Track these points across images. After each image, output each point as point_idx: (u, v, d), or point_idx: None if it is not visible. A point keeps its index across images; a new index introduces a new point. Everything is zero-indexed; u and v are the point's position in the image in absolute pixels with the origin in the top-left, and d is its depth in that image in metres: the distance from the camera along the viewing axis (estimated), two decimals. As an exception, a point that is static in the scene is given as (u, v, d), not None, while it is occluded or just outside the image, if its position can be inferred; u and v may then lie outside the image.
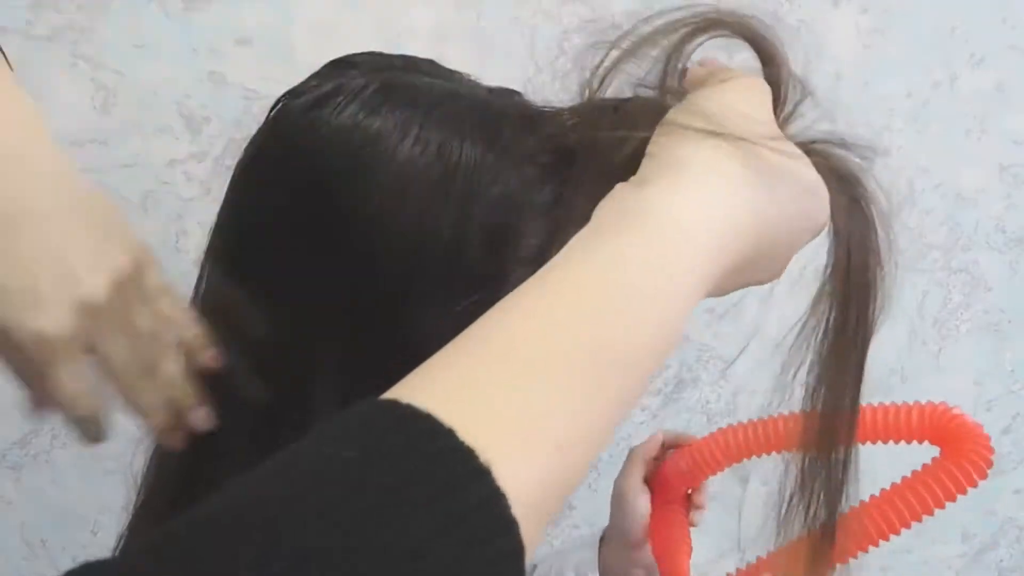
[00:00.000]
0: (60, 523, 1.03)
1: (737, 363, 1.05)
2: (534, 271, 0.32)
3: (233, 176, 0.48)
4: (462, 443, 0.24)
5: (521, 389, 0.27)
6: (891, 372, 1.08)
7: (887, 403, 0.55)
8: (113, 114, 0.89)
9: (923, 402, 0.54)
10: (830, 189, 0.42)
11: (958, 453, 0.52)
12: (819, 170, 0.42)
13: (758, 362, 1.06)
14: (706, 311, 1.01)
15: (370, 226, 0.43)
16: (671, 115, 0.39)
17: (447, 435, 0.24)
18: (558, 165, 0.45)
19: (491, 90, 0.48)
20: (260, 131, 0.47)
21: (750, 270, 0.40)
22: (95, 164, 0.90)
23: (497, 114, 0.45)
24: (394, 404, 0.26)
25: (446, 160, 0.43)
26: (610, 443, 0.31)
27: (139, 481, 0.52)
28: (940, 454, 0.52)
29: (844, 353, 0.46)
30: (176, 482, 0.49)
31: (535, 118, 0.46)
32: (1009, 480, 1.15)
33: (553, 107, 0.46)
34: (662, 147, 0.37)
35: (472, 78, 0.49)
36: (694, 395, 1.06)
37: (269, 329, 0.44)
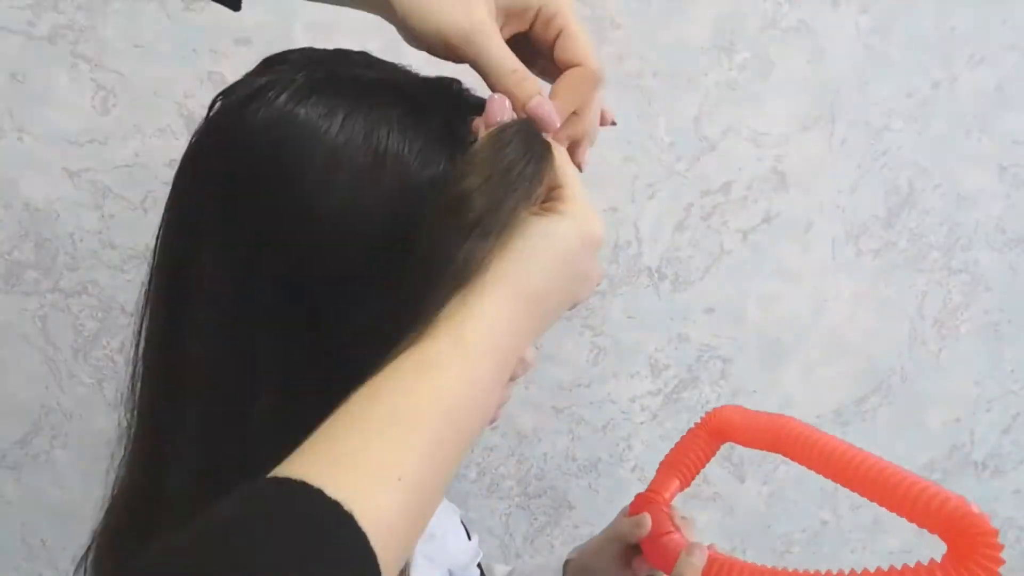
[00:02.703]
0: (60, 523, 1.03)
1: (737, 363, 1.05)
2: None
3: (175, 173, 0.48)
4: (329, 499, 0.31)
5: (374, 445, 0.34)
6: (891, 372, 1.08)
7: (917, 481, 0.51)
8: (113, 114, 0.89)
9: (944, 493, 0.49)
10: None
11: (967, 557, 0.47)
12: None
13: (758, 362, 1.06)
14: (706, 311, 1.02)
15: (300, 216, 0.43)
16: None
17: (317, 495, 0.31)
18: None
19: (427, 79, 0.48)
20: (198, 128, 0.48)
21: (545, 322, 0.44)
22: (95, 164, 0.90)
23: (427, 101, 0.46)
24: (277, 480, 0.32)
25: (374, 146, 0.43)
26: (453, 478, 0.38)
27: (111, 487, 0.52)
28: (947, 553, 0.48)
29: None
30: (136, 481, 0.50)
31: (471, 105, 0.47)
32: (1009, 480, 1.15)
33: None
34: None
35: (408, 67, 0.49)
36: (694, 395, 1.06)
37: (210, 324, 0.45)
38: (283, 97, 0.44)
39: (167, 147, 0.90)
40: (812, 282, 1.03)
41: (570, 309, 0.45)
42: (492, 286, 0.39)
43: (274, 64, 0.48)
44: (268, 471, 0.32)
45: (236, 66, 0.87)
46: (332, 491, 0.31)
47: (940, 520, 0.49)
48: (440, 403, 0.36)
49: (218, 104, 0.48)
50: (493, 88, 0.45)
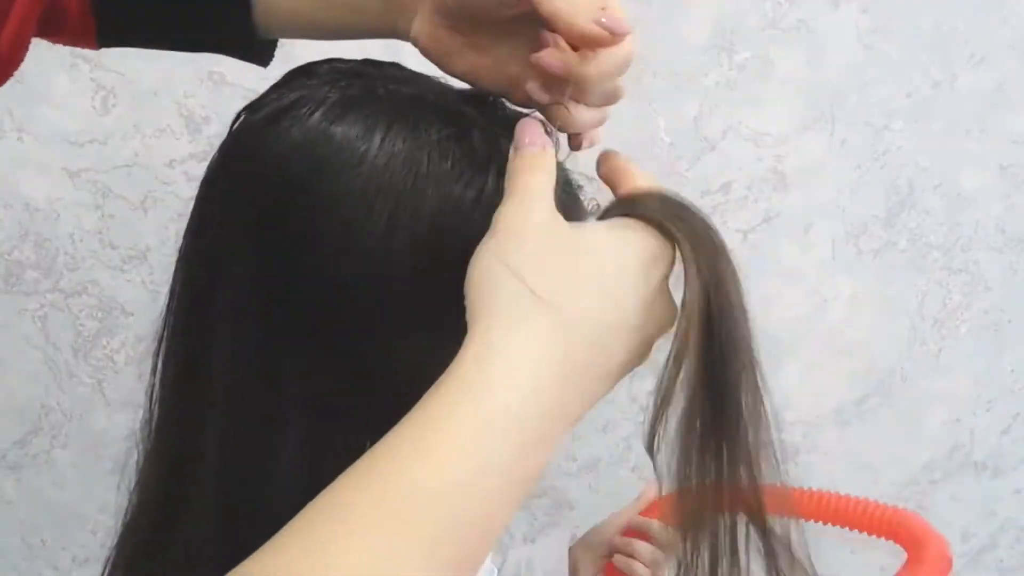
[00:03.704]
0: (60, 523, 1.03)
1: (737, 363, 1.05)
2: None
3: (198, 193, 0.46)
4: None
5: (352, 549, 0.28)
6: (891, 372, 1.08)
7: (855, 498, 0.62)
8: (113, 114, 0.89)
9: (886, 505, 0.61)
10: (672, 240, 0.40)
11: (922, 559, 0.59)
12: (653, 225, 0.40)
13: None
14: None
15: (336, 241, 0.41)
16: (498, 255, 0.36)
17: None
18: None
19: (462, 93, 0.46)
20: (222, 146, 0.45)
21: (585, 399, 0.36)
22: (95, 164, 0.90)
23: (465, 117, 0.43)
24: None
25: (415, 168, 0.41)
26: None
27: (130, 492, 0.51)
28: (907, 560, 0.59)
29: (698, 423, 0.38)
30: (156, 506, 0.48)
31: (510, 119, 0.44)
32: (1009, 480, 1.15)
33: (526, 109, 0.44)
34: (485, 299, 0.35)
35: (439, 79, 0.47)
36: (694, 395, 1.06)
37: (234, 352, 0.43)
38: (317, 115, 0.41)
39: (167, 147, 0.90)
40: (812, 282, 1.03)
41: (638, 362, 0.38)
42: (523, 320, 0.33)
43: (301, 77, 0.45)
44: (293, 505, 0.30)
45: (236, 66, 0.87)
46: None
47: (897, 528, 0.57)
48: (441, 493, 0.29)
49: (242, 119, 0.45)
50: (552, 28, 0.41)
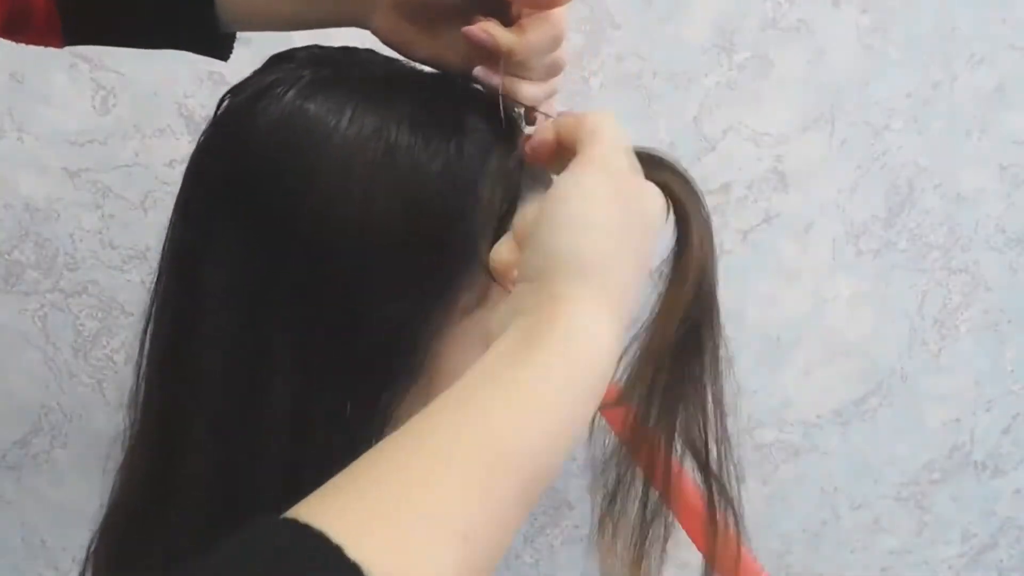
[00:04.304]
0: (60, 523, 1.03)
1: (737, 363, 1.05)
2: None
3: (184, 174, 0.48)
4: (350, 560, 0.26)
5: (422, 488, 0.29)
6: (891, 372, 1.08)
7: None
8: (113, 114, 0.89)
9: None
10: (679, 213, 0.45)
11: None
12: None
13: (758, 362, 1.06)
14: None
15: (315, 212, 0.43)
16: (537, 226, 0.38)
17: (336, 552, 0.26)
18: (500, 140, 0.45)
19: (434, 75, 0.49)
20: (205, 130, 0.48)
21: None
22: (95, 164, 0.90)
23: (435, 94, 0.46)
24: (290, 523, 0.27)
25: (385, 139, 0.43)
26: (518, 529, 0.34)
27: (113, 481, 0.52)
28: None
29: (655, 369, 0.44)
30: (143, 483, 0.49)
31: (476, 97, 0.47)
32: (1009, 480, 1.15)
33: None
34: (535, 287, 0.37)
35: (409, 64, 0.50)
36: (694, 395, 1.06)
37: (223, 328, 0.44)
38: (291, 93, 0.44)
39: (167, 147, 0.90)
40: (812, 282, 1.03)
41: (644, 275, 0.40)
42: (547, 276, 0.36)
43: (281, 62, 0.48)
44: (282, 474, 0.30)
45: (236, 66, 0.87)
46: (354, 551, 0.26)
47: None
48: (491, 443, 0.31)
49: (225, 103, 0.48)
50: None
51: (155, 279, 0.49)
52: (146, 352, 0.49)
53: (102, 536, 0.51)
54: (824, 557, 1.15)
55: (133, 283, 0.94)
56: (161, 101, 0.88)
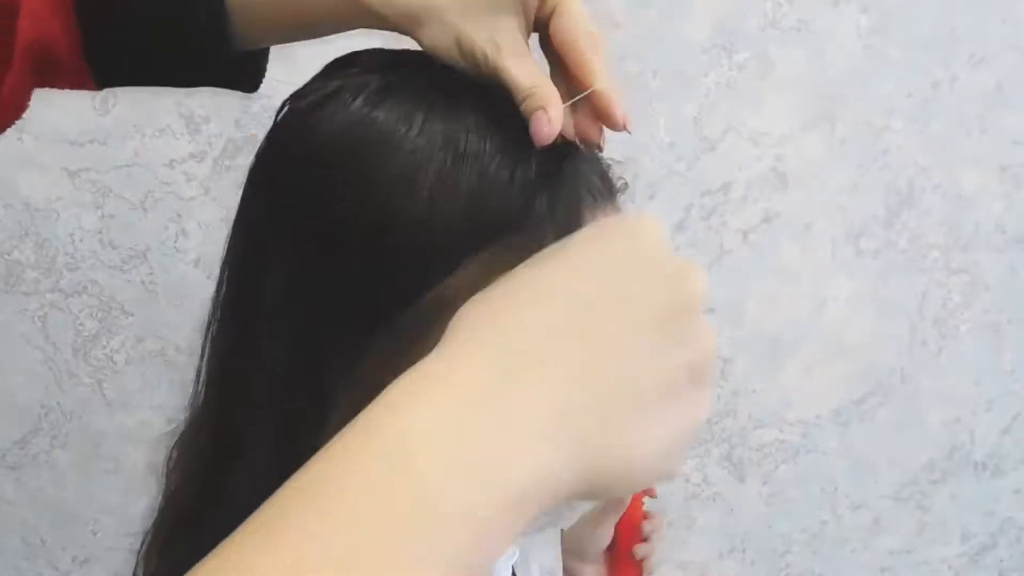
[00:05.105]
0: (60, 523, 1.03)
1: (737, 363, 1.05)
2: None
3: (245, 182, 0.48)
4: None
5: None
6: (891, 372, 1.08)
7: None
8: (113, 114, 0.89)
9: None
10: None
11: None
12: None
13: (758, 362, 1.06)
14: (706, 311, 1.01)
15: (380, 219, 0.42)
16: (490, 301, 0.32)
17: None
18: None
19: (494, 82, 0.47)
20: (267, 137, 0.47)
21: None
22: (95, 164, 0.90)
23: (504, 103, 0.45)
24: None
25: (454, 148, 0.42)
26: None
27: (163, 478, 0.52)
28: None
29: None
30: (199, 479, 0.49)
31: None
32: (1009, 480, 1.15)
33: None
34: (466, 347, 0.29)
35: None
36: (694, 395, 1.06)
37: (282, 339, 0.44)
38: (359, 101, 0.43)
39: (167, 147, 0.90)
40: (812, 282, 1.03)
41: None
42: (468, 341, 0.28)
43: (343, 67, 0.47)
44: None
45: (236, 66, 0.87)
46: None
47: None
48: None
49: (287, 108, 0.46)
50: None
51: (216, 288, 0.49)
52: (206, 357, 0.49)
53: (155, 535, 0.51)
54: (824, 557, 1.15)
55: (133, 283, 0.94)
56: (161, 101, 0.88)
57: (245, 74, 0.52)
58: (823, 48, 0.95)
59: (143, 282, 0.94)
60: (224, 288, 0.48)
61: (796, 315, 1.04)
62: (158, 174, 0.90)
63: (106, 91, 0.88)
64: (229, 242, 0.48)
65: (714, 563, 1.13)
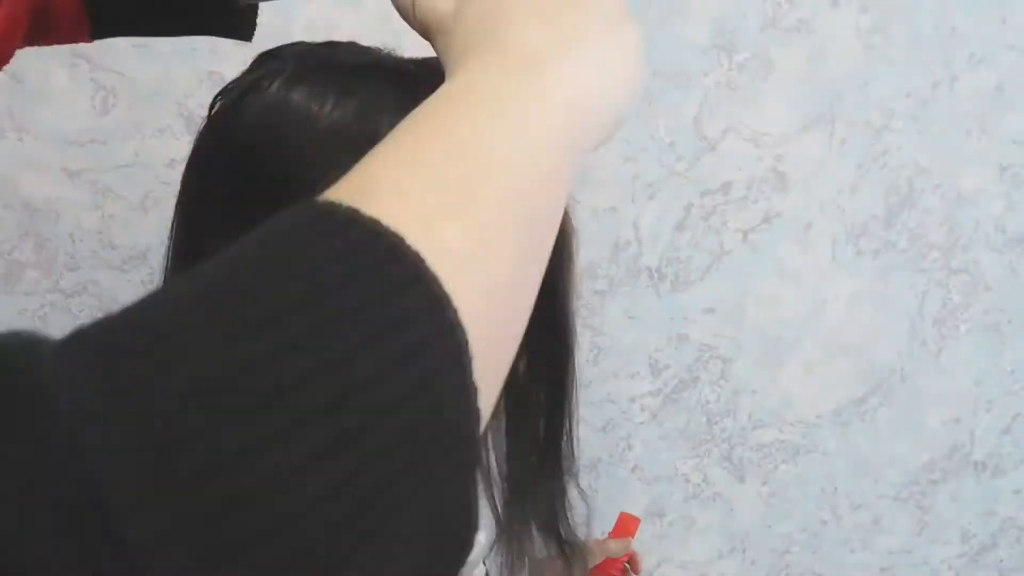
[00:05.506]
0: (60, 523, 1.03)
1: (737, 363, 1.05)
2: None
3: (181, 180, 0.50)
4: (408, 248, 0.23)
5: (475, 200, 0.26)
6: (891, 372, 1.08)
7: None
8: (113, 114, 0.89)
9: None
10: None
11: None
12: None
13: (758, 362, 1.06)
14: (706, 311, 1.01)
15: (304, 196, 0.44)
16: None
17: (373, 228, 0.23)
18: None
19: (416, 60, 0.49)
20: (199, 130, 0.50)
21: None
22: (95, 164, 0.90)
23: (417, 80, 0.46)
24: (336, 208, 0.25)
25: (368, 124, 0.44)
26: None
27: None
28: None
29: None
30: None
31: None
32: (1009, 480, 1.15)
33: None
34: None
35: (393, 52, 0.51)
36: (694, 395, 1.06)
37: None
38: (275, 85, 0.46)
39: (167, 147, 0.90)
40: (812, 282, 1.03)
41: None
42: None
43: (267, 59, 0.50)
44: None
45: (236, 66, 0.87)
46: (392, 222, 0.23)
47: None
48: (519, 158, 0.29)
49: (218, 103, 0.50)
50: None
51: (161, 282, 0.50)
52: None
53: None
54: (824, 557, 1.15)
55: (133, 283, 0.94)
56: (161, 101, 0.88)
57: (245, 23, 0.54)
58: (823, 48, 0.95)
59: (143, 282, 0.94)
60: (169, 264, 0.50)
61: (796, 315, 1.04)
62: (158, 174, 0.90)
63: (106, 91, 0.88)
64: (170, 240, 0.51)
65: (714, 563, 1.13)
